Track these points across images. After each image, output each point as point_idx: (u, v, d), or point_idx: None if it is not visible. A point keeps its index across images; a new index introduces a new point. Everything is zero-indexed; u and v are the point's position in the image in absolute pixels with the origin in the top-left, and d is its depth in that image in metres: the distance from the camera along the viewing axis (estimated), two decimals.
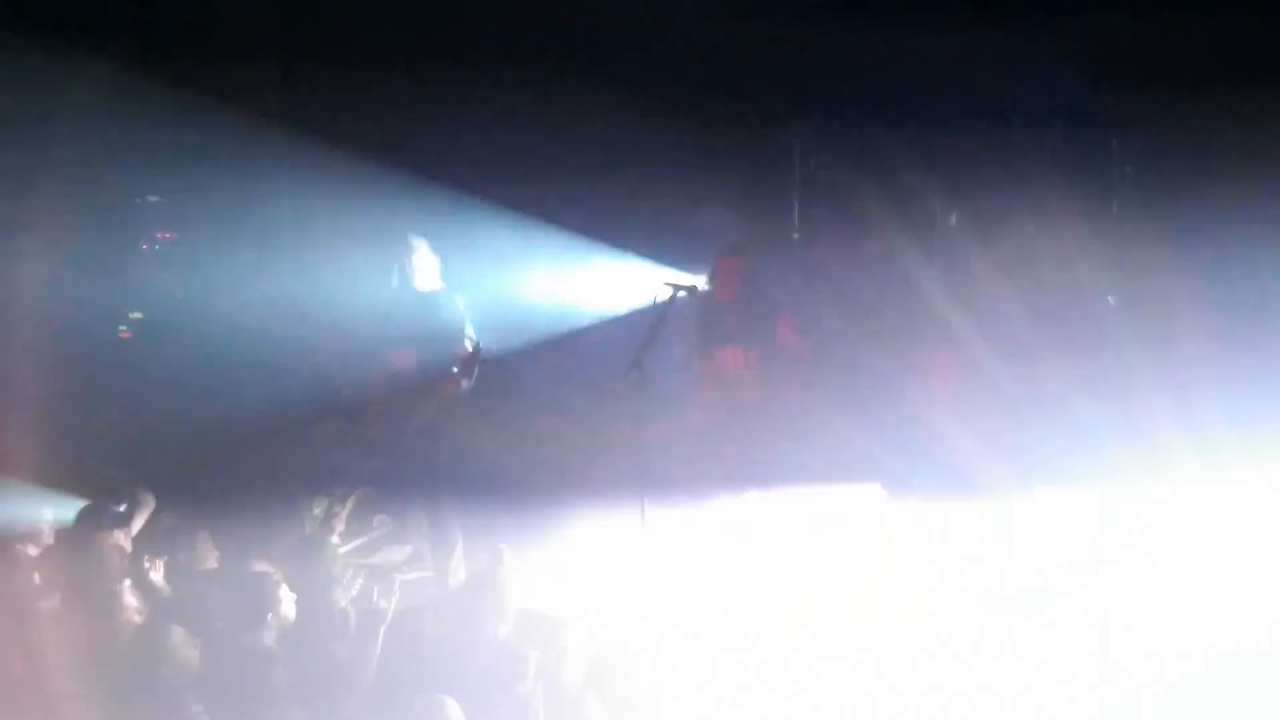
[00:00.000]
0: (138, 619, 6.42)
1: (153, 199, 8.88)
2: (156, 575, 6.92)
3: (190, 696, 5.97)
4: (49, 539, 7.14)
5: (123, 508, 7.35)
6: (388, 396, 9.17)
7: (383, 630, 6.50)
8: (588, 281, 10.47)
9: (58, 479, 7.54)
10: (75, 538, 7.03)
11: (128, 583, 6.66)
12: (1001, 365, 8.35)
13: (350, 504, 9.44)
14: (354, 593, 7.06)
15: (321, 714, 6.09)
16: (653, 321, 7.64)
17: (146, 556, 7.11)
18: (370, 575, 8.92)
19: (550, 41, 10.06)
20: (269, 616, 6.44)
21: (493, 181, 10.05)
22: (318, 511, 8.51)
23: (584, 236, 10.32)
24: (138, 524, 7.45)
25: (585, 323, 10.79)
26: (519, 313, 10.63)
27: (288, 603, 6.50)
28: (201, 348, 8.65)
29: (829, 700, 6.28)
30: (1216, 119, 8.05)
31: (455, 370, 8.70)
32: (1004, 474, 7.74)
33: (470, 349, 8.74)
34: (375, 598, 7.15)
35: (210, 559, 7.26)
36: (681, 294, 7.80)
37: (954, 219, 10.11)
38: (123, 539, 7.10)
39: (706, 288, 7.97)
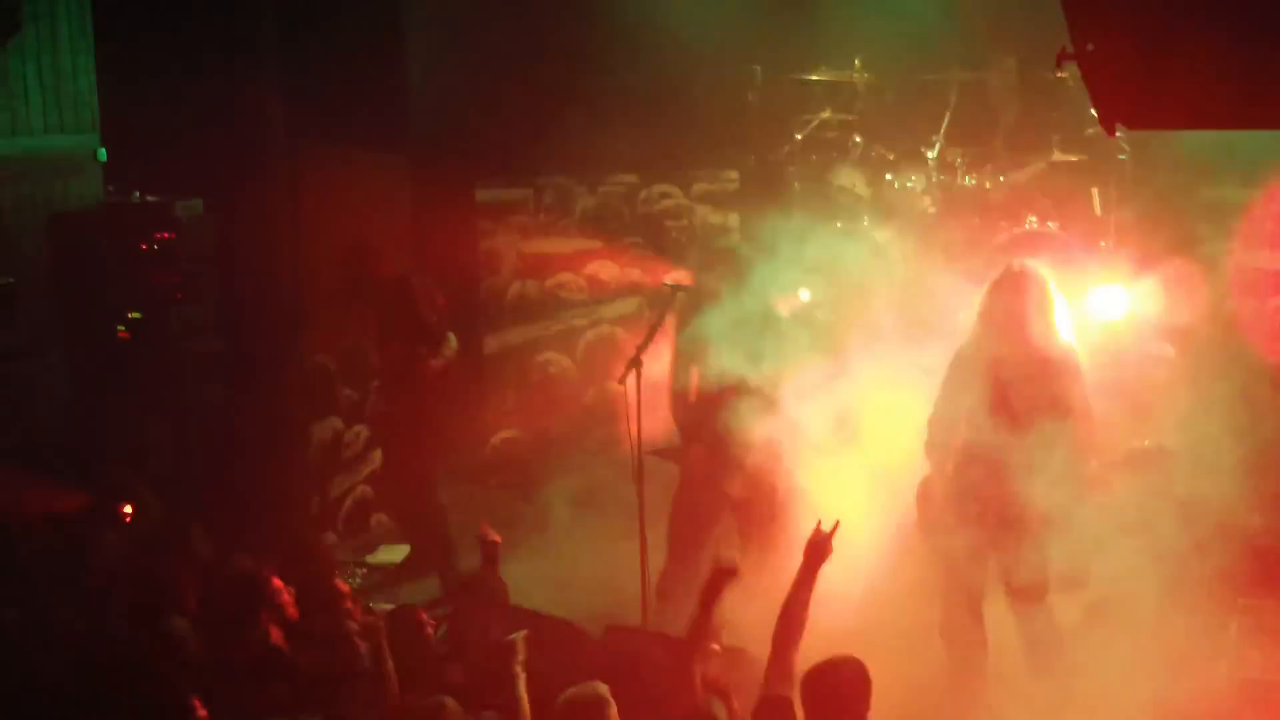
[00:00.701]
0: (138, 618, 6.40)
1: None
2: (157, 575, 6.92)
3: (190, 696, 5.94)
4: (51, 535, 7.15)
5: (125, 507, 7.34)
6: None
7: (380, 629, 6.48)
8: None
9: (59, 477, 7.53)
10: (78, 535, 7.01)
11: (128, 581, 6.67)
12: None
13: (349, 503, 9.46)
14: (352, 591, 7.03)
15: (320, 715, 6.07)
16: (652, 320, 7.59)
17: (147, 555, 7.12)
18: (368, 574, 8.94)
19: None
20: (268, 616, 6.42)
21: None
22: (316, 510, 8.47)
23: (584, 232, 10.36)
24: (138, 522, 7.45)
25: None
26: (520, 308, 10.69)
27: (286, 603, 6.48)
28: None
29: None
30: None
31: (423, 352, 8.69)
32: None
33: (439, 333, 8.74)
34: (373, 597, 7.13)
35: (209, 559, 7.24)
36: (681, 292, 7.74)
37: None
38: (123, 537, 7.09)
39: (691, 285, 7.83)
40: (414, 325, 8.67)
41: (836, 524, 5.60)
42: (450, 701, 5.51)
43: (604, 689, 5.23)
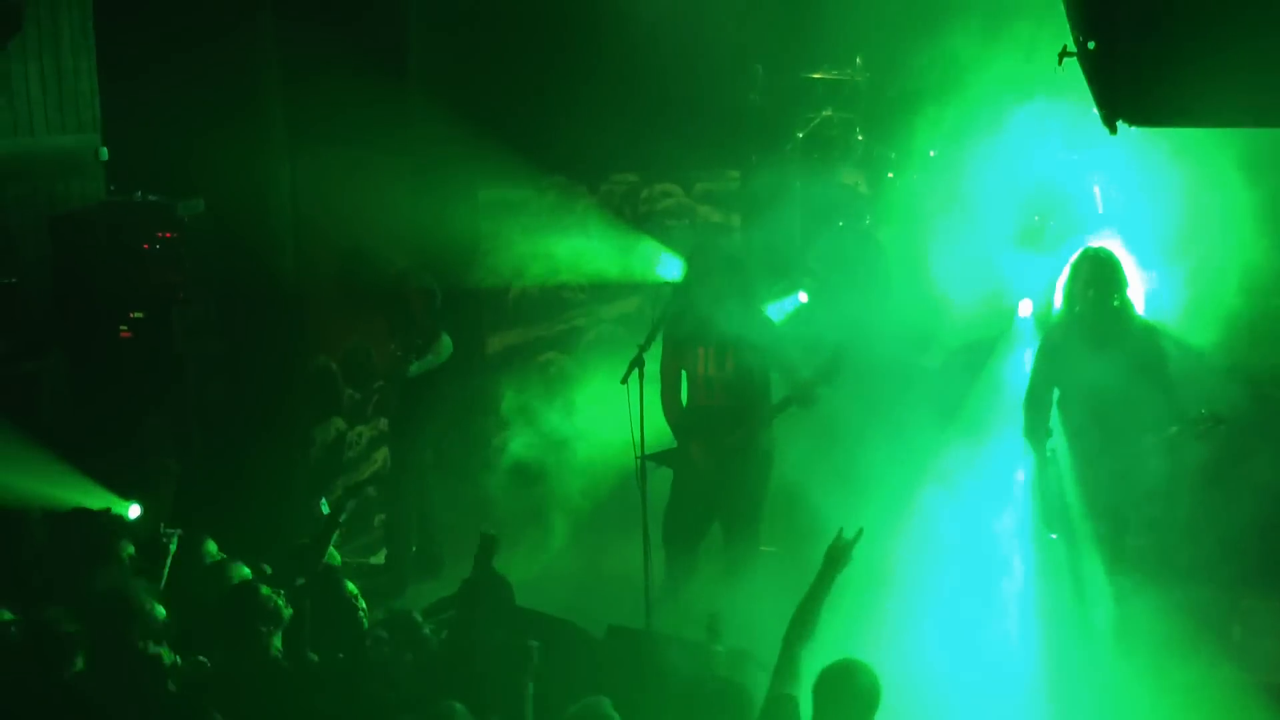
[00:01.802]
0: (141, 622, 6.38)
1: None
2: (159, 577, 6.92)
3: (193, 700, 5.93)
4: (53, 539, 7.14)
5: (130, 509, 7.33)
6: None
7: (382, 632, 6.48)
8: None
9: (62, 479, 7.53)
10: (79, 538, 7.00)
11: (131, 584, 6.65)
12: None
13: (351, 504, 9.44)
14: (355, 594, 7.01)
15: None
16: (655, 319, 7.57)
17: (149, 558, 7.10)
18: (370, 574, 8.93)
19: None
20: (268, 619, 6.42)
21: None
22: (319, 512, 8.45)
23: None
24: (141, 525, 7.44)
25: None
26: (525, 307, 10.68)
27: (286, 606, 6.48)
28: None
29: None
30: None
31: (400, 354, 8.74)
32: None
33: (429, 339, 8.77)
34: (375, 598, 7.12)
35: (211, 560, 7.21)
36: (673, 291, 7.72)
37: None
38: (126, 540, 7.07)
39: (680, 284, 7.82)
40: (408, 325, 8.71)
41: (859, 533, 5.61)
42: (460, 706, 5.51)
43: (608, 705, 5.27)
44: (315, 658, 6.19)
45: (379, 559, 9.16)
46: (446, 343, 8.82)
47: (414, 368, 8.71)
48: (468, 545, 7.09)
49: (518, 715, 5.67)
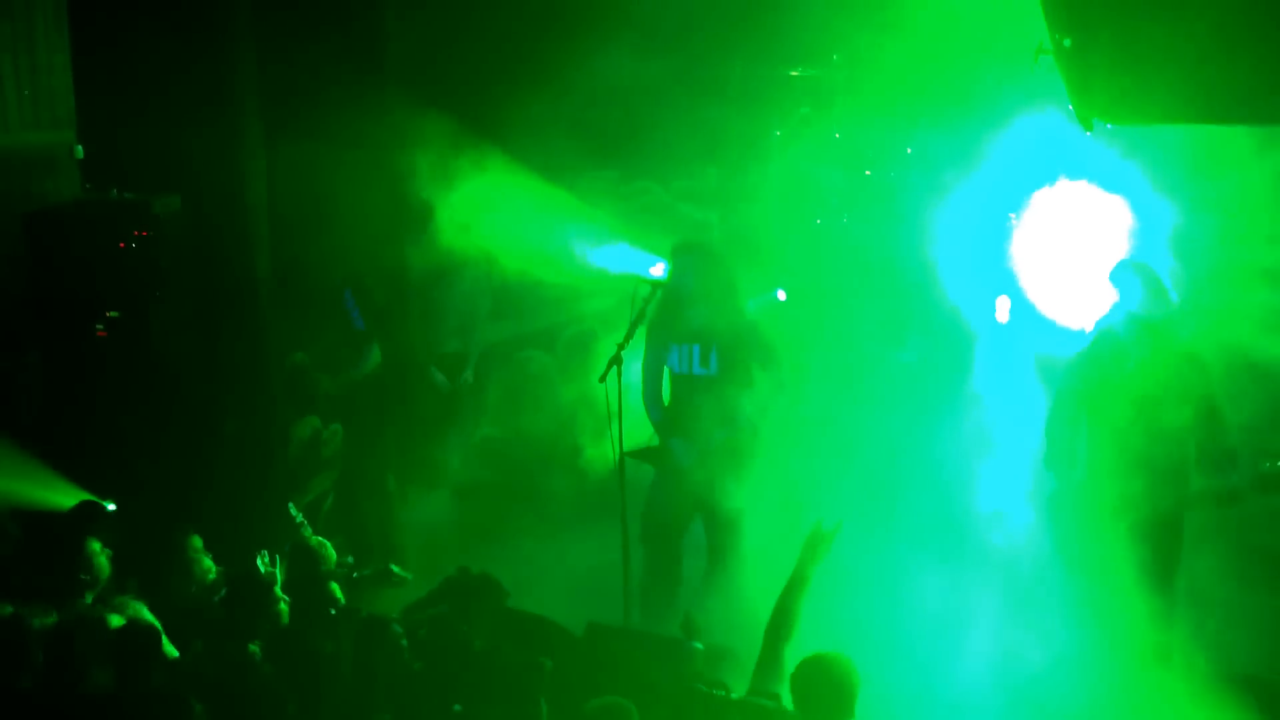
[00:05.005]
0: (125, 615, 6.39)
1: None
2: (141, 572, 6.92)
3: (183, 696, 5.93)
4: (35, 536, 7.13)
5: (109, 506, 7.31)
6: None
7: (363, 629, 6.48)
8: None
9: (37, 478, 7.50)
10: (62, 535, 6.98)
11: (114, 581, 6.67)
12: None
13: (329, 500, 9.44)
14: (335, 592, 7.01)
15: (311, 714, 6.06)
16: (633, 316, 7.58)
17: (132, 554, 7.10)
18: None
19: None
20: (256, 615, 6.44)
21: None
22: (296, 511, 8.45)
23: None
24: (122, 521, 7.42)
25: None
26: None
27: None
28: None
29: None
30: None
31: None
32: None
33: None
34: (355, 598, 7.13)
35: (194, 557, 7.21)
36: (655, 289, 7.74)
37: None
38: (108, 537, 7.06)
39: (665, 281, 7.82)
40: (344, 333, 8.81)
41: (838, 525, 5.62)
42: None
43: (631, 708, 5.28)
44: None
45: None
46: (374, 354, 8.87)
47: (326, 383, 8.79)
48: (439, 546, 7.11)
49: None
